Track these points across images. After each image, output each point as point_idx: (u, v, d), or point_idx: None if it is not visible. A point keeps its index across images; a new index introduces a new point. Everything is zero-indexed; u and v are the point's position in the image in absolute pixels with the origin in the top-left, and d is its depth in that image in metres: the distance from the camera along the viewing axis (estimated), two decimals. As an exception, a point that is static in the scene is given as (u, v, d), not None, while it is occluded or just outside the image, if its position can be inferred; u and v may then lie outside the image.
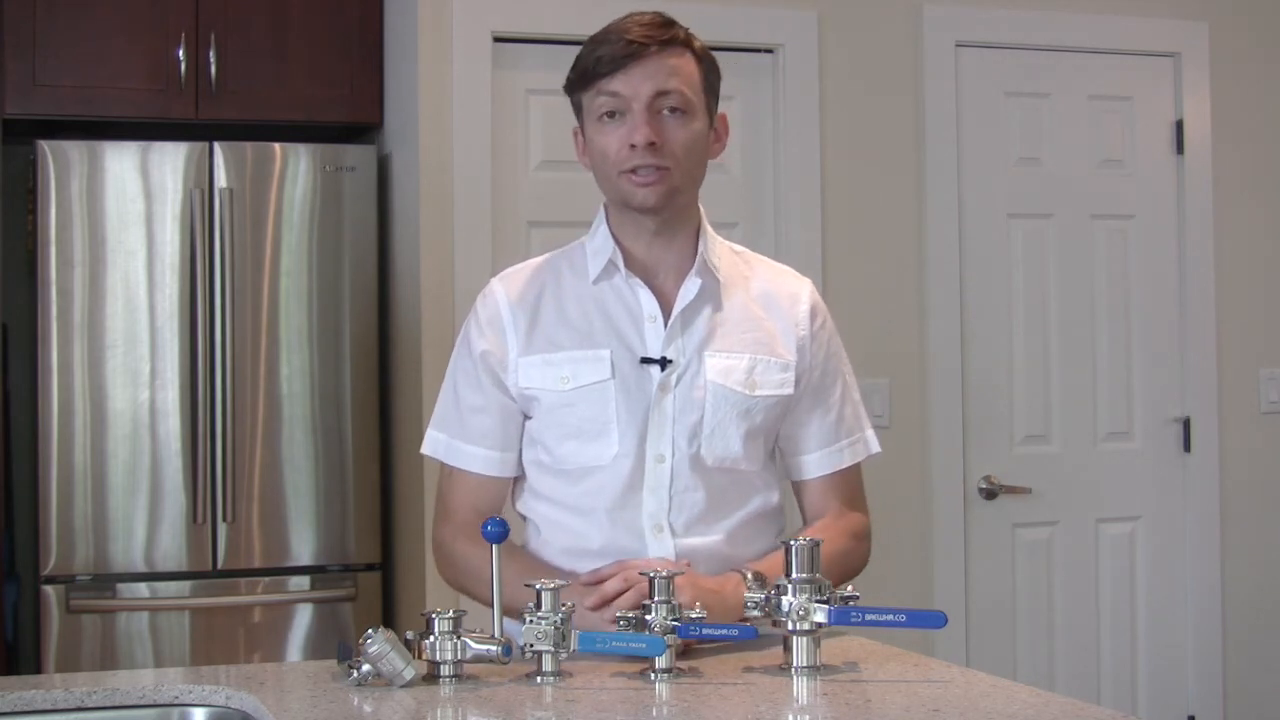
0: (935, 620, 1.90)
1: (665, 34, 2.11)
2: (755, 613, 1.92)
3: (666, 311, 2.16)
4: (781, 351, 2.19)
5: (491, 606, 1.90)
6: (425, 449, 2.25)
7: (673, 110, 2.10)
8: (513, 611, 1.93)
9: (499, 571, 1.88)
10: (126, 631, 3.73)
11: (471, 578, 2.15)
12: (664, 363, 2.13)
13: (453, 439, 2.21)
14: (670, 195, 2.12)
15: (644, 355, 2.13)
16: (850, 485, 2.27)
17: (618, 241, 2.17)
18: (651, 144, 2.07)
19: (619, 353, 2.14)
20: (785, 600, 1.88)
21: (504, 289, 2.21)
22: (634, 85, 2.08)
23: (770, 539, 2.20)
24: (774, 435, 2.22)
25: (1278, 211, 4.35)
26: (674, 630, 1.88)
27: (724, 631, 1.92)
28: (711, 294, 2.18)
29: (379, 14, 3.98)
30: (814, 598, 1.88)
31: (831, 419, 2.23)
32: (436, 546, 2.24)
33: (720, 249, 2.23)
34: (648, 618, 1.88)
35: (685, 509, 2.13)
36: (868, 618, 1.88)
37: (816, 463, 2.24)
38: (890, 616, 1.89)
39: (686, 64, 2.12)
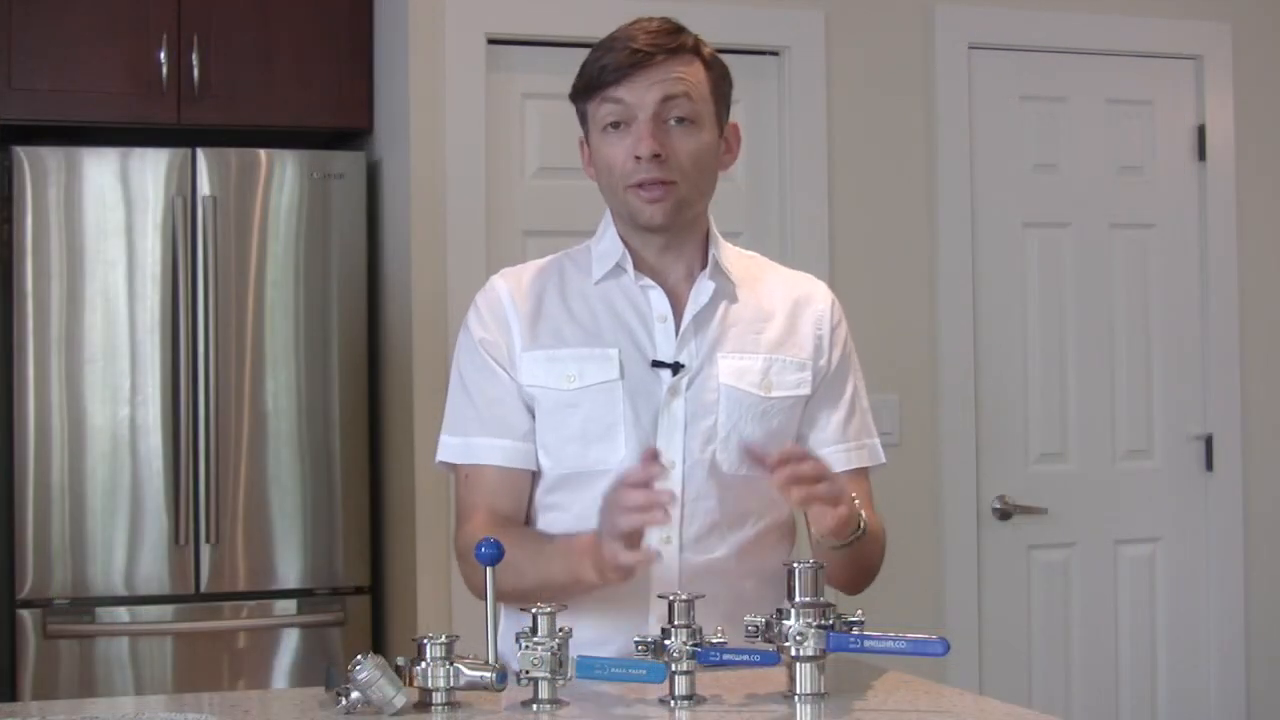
0: (936, 647, 1.86)
1: (673, 41, 2.09)
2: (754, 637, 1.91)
3: (677, 314, 2.12)
4: (798, 351, 2.16)
5: (525, 595, 1.91)
6: (440, 456, 2.18)
7: (679, 120, 2.08)
8: (548, 589, 1.94)
9: (493, 594, 1.84)
10: (106, 657, 3.69)
11: (503, 569, 2.03)
12: (676, 367, 2.09)
13: (469, 438, 2.14)
14: (677, 210, 2.09)
15: (655, 358, 2.10)
16: (862, 491, 2.20)
17: (626, 245, 2.14)
18: (656, 156, 2.05)
19: (628, 353, 2.11)
20: (785, 625, 1.86)
21: (505, 284, 2.18)
22: (639, 93, 2.06)
23: (783, 555, 2.15)
24: (792, 440, 2.17)
25: (1303, 220, 4.33)
26: (694, 655, 1.85)
27: (745, 657, 1.88)
28: (725, 295, 2.16)
29: (368, 15, 3.94)
30: (815, 622, 1.85)
31: (840, 417, 2.20)
32: (460, 554, 2.16)
33: (730, 253, 2.21)
34: (666, 643, 1.85)
35: (697, 518, 2.09)
36: (867, 644, 1.86)
37: (825, 460, 2.15)
38: (891, 643, 1.86)
39: (694, 72, 2.10)
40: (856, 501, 2.01)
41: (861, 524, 2.01)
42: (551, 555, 2.03)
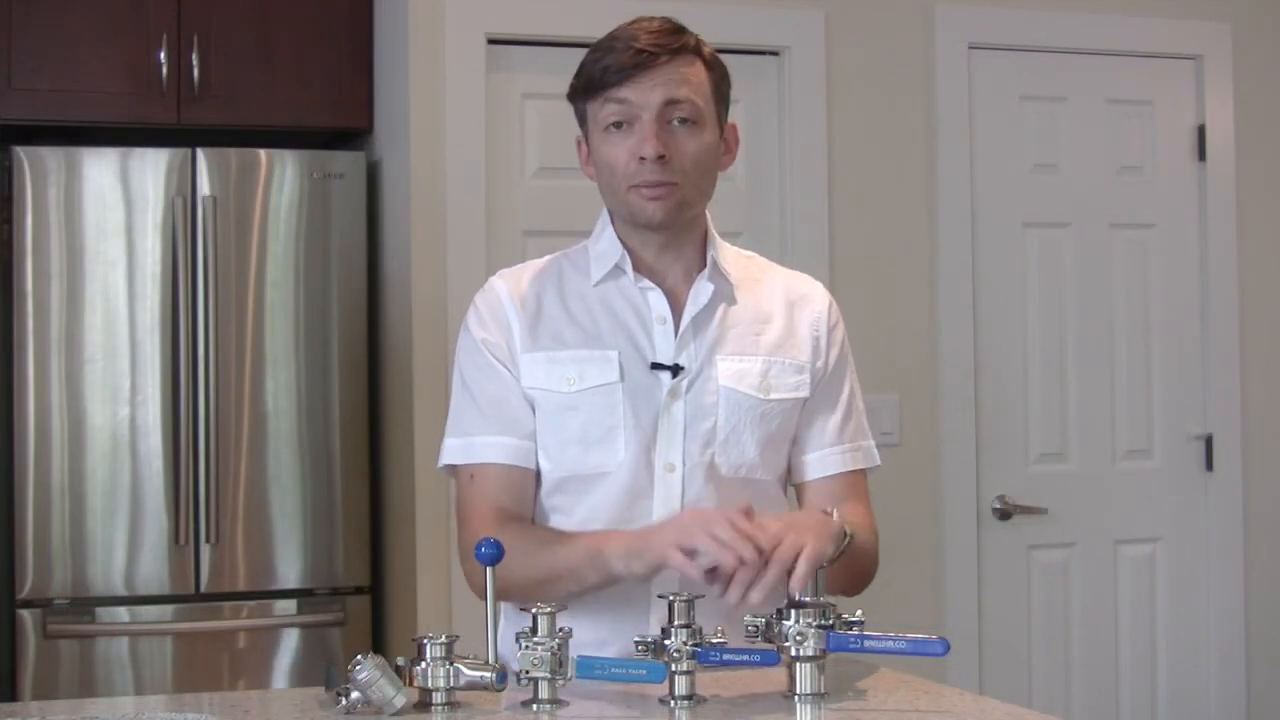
0: (936, 647, 1.86)
1: (676, 42, 2.08)
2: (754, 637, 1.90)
3: (676, 315, 2.11)
4: (797, 352, 2.15)
5: (529, 586, 1.93)
6: (443, 459, 2.15)
7: (682, 121, 2.07)
8: (557, 579, 1.97)
9: (493, 596, 1.82)
10: (106, 657, 3.67)
11: (513, 557, 1.93)
12: (675, 369, 2.08)
13: (471, 437, 2.12)
14: (678, 210, 2.08)
15: (654, 360, 2.09)
16: (858, 492, 2.20)
17: (625, 245, 2.13)
18: (661, 157, 2.04)
19: (627, 354, 2.10)
20: (785, 625, 1.85)
21: (505, 285, 2.17)
22: (643, 94, 2.05)
23: None
24: (790, 442, 2.17)
25: (1303, 220, 4.30)
26: (694, 655, 1.83)
27: (745, 657, 1.87)
28: (723, 297, 2.15)
29: (368, 15, 3.92)
30: (815, 623, 1.85)
31: (837, 418, 2.19)
32: (464, 557, 2.11)
33: (728, 254, 2.19)
34: (666, 643, 1.84)
35: None
36: (866, 644, 1.86)
37: (820, 462, 2.18)
38: (890, 643, 1.86)
39: (697, 72, 2.09)
40: (832, 512, 1.99)
41: (847, 535, 1.98)
42: (577, 539, 2.00)
